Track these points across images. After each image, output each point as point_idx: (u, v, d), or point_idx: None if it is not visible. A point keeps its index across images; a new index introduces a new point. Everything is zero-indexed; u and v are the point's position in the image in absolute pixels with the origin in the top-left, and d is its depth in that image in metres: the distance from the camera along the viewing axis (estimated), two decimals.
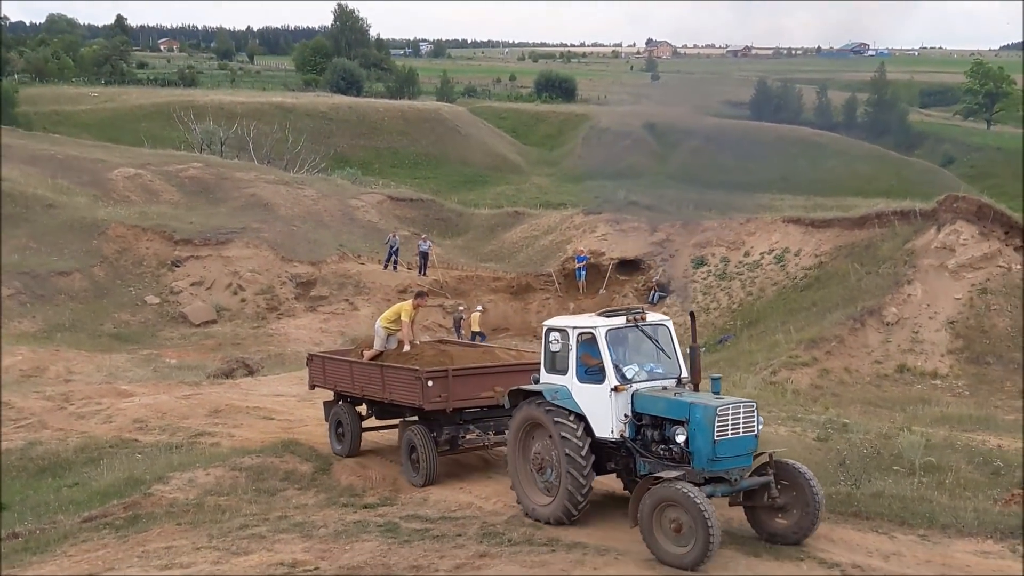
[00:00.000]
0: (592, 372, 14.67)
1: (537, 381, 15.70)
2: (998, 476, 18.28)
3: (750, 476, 13.87)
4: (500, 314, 42.50)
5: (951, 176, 79.87)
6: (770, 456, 14.05)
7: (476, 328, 39.59)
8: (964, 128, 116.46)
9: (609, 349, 14.49)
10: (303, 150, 75.04)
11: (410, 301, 19.93)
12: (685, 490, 12.68)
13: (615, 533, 14.81)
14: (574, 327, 15.00)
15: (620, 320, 14.85)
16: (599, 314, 15.24)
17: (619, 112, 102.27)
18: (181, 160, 61.02)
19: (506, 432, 17.62)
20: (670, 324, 15.25)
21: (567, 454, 14.38)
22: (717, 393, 14.18)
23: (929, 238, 37.19)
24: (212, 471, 18.48)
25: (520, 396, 15.57)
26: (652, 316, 15.21)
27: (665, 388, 14.53)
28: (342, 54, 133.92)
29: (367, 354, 19.61)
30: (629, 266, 47.25)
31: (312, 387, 21.82)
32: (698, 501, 12.51)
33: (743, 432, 13.51)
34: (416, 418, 18.50)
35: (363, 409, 20.38)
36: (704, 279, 44.45)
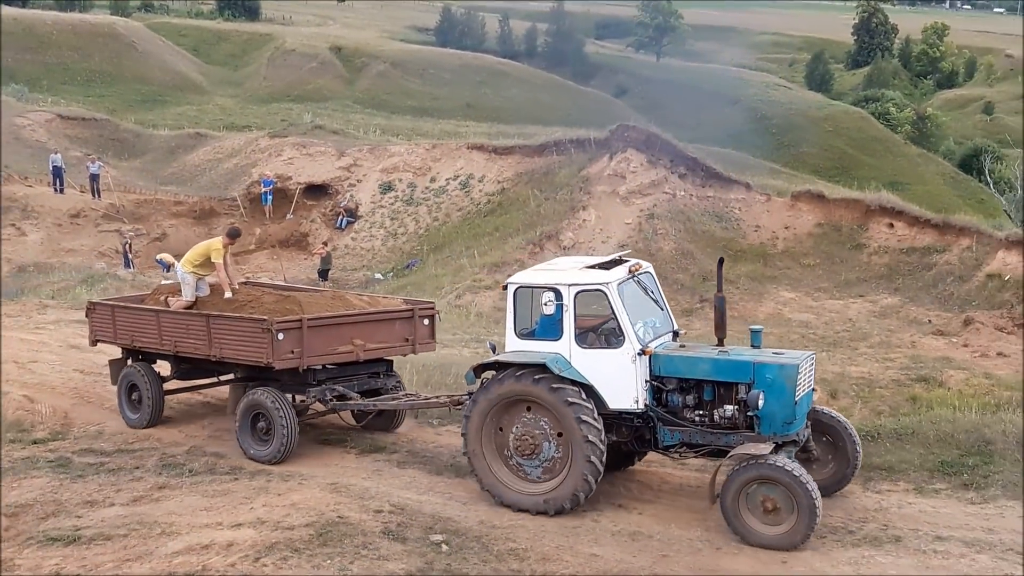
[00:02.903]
0: (582, 335, 12.80)
1: (495, 349, 13.66)
2: None
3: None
4: (182, 239, 40.80)
5: (624, 106, 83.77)
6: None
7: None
8: (636, 60, 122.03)
9: (624, 307, 12.57)
10: None
11: (219, 239, 16.58)
12: (788, 468, 11.45)
13: (302, 460, 14.92)
14: (571, 284, 12.67)
15: (623, 272, 12.98)
16: (589, 267, 13.25)
17: (305, 33, 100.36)
18: None
19: (374, 399, 15.74)
20: (652, 270, 13.74)
21: (585, 434, 12.32)
22: (758, 347, 12.83)
23: (602, 166, 39.16)
24: None
25: (482, 369, 13.32)
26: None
27: (683, 346, 13.19)
28: None
29: (176, 304, 16.48)
30: (317, 191, 46.77)
31: (94, 343, 18.02)
32: (806, 481, 11.37)
33: (807, 388, 12.54)
34: (243, 378, 15.85)
35: (161, 368, 17.26)
36: (392, 204, 44.77)
